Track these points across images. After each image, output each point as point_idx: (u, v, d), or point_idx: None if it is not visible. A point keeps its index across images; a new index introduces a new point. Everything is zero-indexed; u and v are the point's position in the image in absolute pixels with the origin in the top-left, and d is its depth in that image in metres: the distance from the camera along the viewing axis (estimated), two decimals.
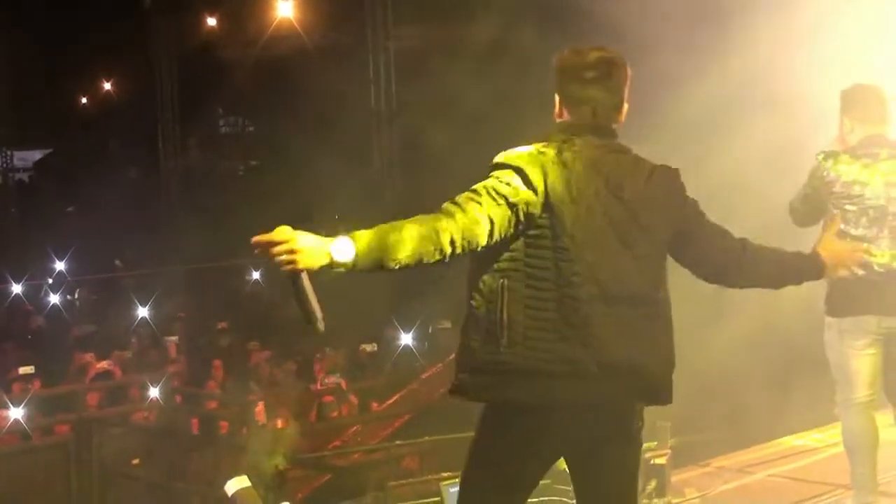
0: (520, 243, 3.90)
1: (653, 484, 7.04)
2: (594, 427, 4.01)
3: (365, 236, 3.74)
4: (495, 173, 3.92)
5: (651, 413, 6.61)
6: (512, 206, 3.83)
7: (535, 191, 3.87)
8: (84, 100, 34.32)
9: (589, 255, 3.89)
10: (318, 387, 15.12)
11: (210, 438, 12.80)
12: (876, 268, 5.92)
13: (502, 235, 3.84)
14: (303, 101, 23.21)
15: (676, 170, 4.22)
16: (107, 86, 33.75)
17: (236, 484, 6.16)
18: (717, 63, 10.04)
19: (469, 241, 3.76)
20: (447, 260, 3.77)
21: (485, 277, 3.95)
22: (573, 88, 4.12)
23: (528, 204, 3.85)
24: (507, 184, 3.86)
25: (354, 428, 13.45)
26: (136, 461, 12.89)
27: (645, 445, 7.29)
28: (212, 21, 29.31)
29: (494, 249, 3.88)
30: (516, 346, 3.88)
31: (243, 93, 29.67)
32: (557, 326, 3.88)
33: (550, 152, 3.96)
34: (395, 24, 22.26)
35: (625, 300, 3.95)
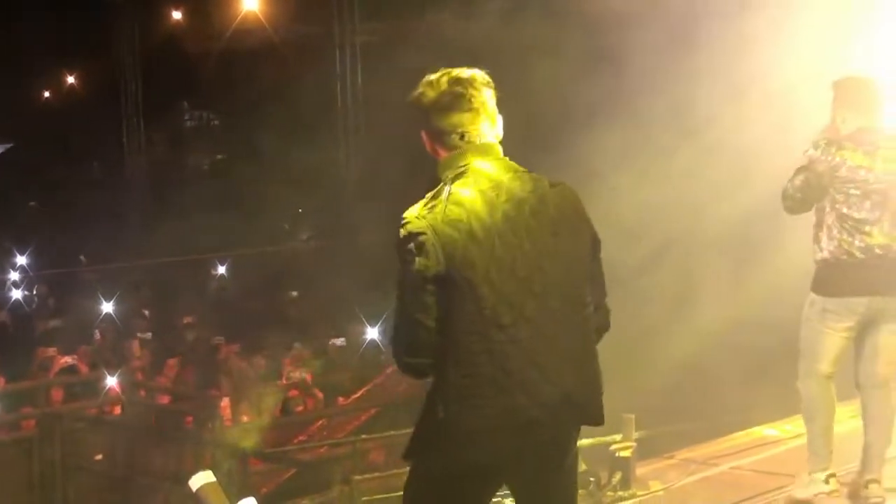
0: (450, 303, 3.78)
1: (618, 476, 7.08)
2: (541, 455, 3.95)
3: None
4: (404, 256, 3.80)
5: (616, 405, 6.69)
6: (427, 281, 3.77)
7: (436, 259, 3.76)
8: (47, 94, 34.13)
9: (508, 294, 3.78)
10: (284, 381, 15.13)
11: (175, 433, 12.76)
12: (877, 250, 6.09)
13: (435, 306, 3.79)
14: (269, 95, 23.17)
15: (573, 190, 4.00)
16: (70, 80, 33.58)
17: (201, 479, 6.08)
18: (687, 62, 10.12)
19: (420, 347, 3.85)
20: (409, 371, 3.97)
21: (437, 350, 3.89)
22: (436, 122, 3.95)
23: (431, 269, 3.76)
24: (414, 265, 3.77)
25: (320, 422, 13.46)
26: (99, 456, 12.86)
27: (610, 438, 7.35)
28: (177, 14, 29.22)
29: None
30: (455, 406, 3.81)
31: (209, 87, 29.59)
32: (494, 378, 3.78)
33: (439, 206, 3.81)
34: (362, 18, 22.24)
35: (552, 331, 3.85)
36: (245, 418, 13.92)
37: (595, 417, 3.98)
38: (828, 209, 6.21)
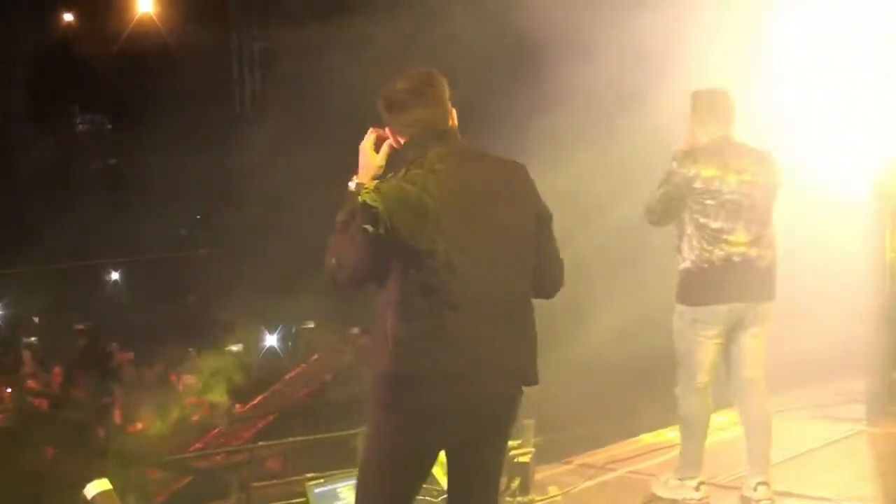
0: (398, 265, 4.07)
1: (517, 482, 7.08)
2: (484, 426, 4.21)
3: None
4: (362, 215, 4.09)
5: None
6: (380, 243, 4.04)
7: (385, 228, 4.04)
8: None
9: (462, 257, 4.07)
10: (181, 388, 15.05)
11: (68, 441, 12.63)
12: (735, 258, 6.27)
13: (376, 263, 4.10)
14: (165, 99, 22.94)
15: (523, 167, 4.35)
16: None
17: (96, 487, 6.05)
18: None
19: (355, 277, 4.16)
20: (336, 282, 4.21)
21: (378, 297, 4.16)
22: (400, 114, 4.27)
23: (387, 234, 4.03)
24: (363, 223, 4.07)
25: (217, 429, 13.41)
26: None
27: (510, 443, 7.40)
28: (69, 17, 28.86)
29: (384, 273, 4.11)
30: (402, 356, 4.07)
31: (102, 90, 29.25)
32: (437, 335, 4.06)
33: (394, 183, 4.14)
34: (260, 24, 22.19)
35: (494, 302, 4.14)
36: (140, 426, 13.83)
37: (531, 378, 4.22)
38: (687, 220, 6.36)
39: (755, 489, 6.47)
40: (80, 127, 33.81)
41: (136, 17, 25.82)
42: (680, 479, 6.59)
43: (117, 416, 13.65)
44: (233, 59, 22.44)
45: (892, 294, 9.11)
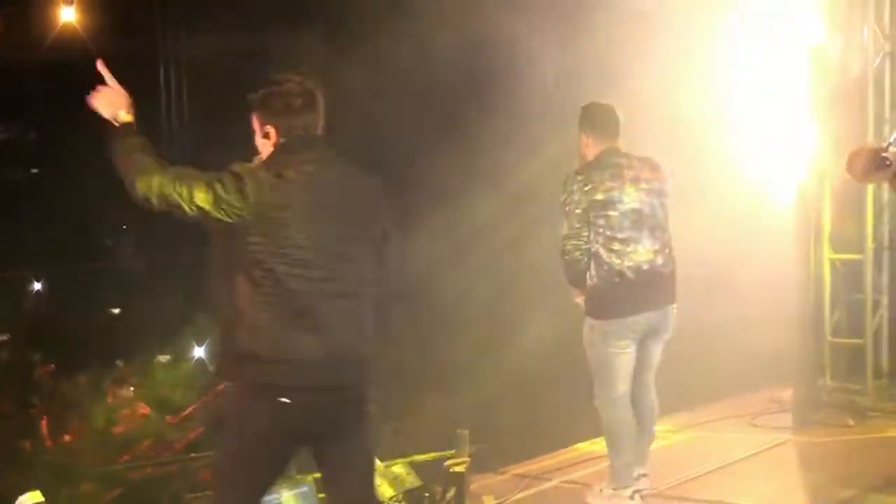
0: (245, 250, 4.38)
1: (452, 492, 7.12)
2: (335, 412, 4.52)
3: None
4: (222, 174, 4.43)
5: (449, 421, 6.84)
6: (219, 202, 4.36)
7: (245, 200, 4.35)
8: None
9: (311, 255, 4.42)
10: (109, 399, 14.90)
11: None
12: (644, 266, 6.43)
13: (195, 216, 4.42)
14: (86, 109, 22.70)
15: (379, 182, 4.77)
16: None
17: (28, 500, 6.05)
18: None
19: (170, 206, 4.44)
20: (152, 203, 4.51)
21: (221, 283, 4.48)
22: (287, 117, 4.57)
23: (233, 207, 4.36)
24: (222, 183, 4.38)
25: (146, 441, 13.29)
26: None
27: (444, 453, 7.46)
28: None
29: (226, 258, 4.47)
30: (247, 335, 4.38)
31: (22, 98, 28.89)
32: (282, 318, 4.37)
33: (272, 171, 4.46)
34: (188, 32, 22.01)
35: (339, 295, 4.48)
36: (67, 438, 13.67)
37: (367, 369, 4.63)
38: (593, 237, 6.46)
39: (638, 479, 6.68)
40: (2, 135, 33.41)
41: (59, 25, 25.52)
42: (614, 489, 6.69)
43: (43, 428, 13.46)
44: (159, 66, 22.19)
45: (815, 305, 9.30)
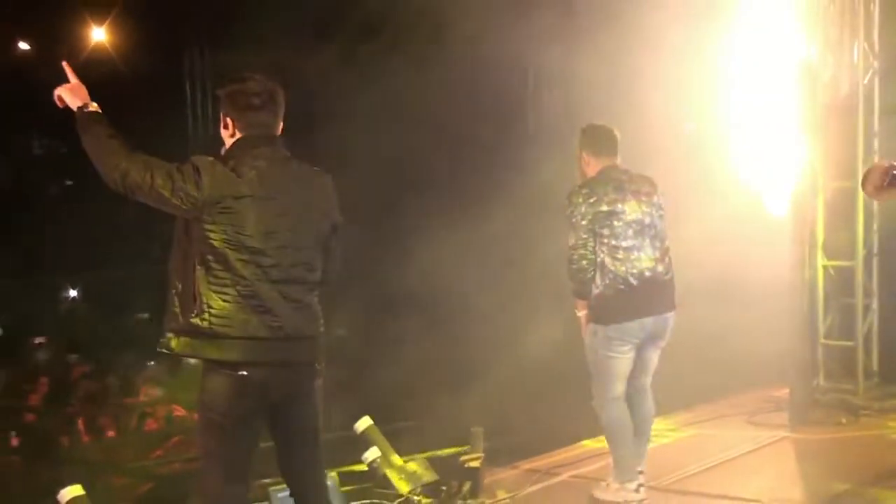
0: (202, 237, 4.57)
1: (467, 486, 7.13)
2: (286, 383, 4.75)
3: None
4: (183, 164, 4.62)
5: (465, 420, 6.88)
6: (176, 189, 4.56)
7: (200, 189, 4.55)
8: None
9: (261, 243, 4.60)
10: (141, 399, 14.94)
11: (33, 450, 12.50)
12: (646, 273, 6.50)
13: (153, 202, 4.62)
14: (119, 124, 22.72)
15: (331, 179, 4.95)
16: None
17: (70, 493, 6.05)
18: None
19: (133, 188, 4.61)
20: (118, 185, 4.64)
21: (179, 264, 4.66)
22: (246, 112, 4.75)
23: (189, 196, 4.55)
24: (182, 172, 4.57)
25: (176, 438, 13.32)
26: None
27: (460, 449, 7.47)
28: (24, 45, 28.56)
29: (186, 243, 4.65)
30: (203, 315, 4.55)
31: (57, 115, 28.83)
32: (236, 300, 4.55)
33: (228, 164, 4.64)
34: (213, 52, 22.06)
35: (291, 282, 4.67)
36: (102, 435, 13.72)
37: (315, 348, 4.84)
38: (598, 247, 6.50)
39: (637, 490, 6.75)
40: (37, 150, 33.47)
41: (91, 45, 25.57)
42: (620, 483, 6.71)
43: (80, 426, 13.51)
44: (186, 85, 22.23)
45: (810, 309, 9.31)
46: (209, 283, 4.57)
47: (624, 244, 6.46)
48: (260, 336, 4.61)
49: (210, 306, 4.56)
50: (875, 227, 9.54)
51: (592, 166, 6.63)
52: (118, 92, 24.71)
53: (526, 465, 8.06)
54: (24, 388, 15.63)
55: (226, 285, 4.56)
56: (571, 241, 6.49)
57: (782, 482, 7.50)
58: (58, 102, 4.99)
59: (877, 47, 9.49)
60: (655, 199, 6.68)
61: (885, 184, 2.94)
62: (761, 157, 8.95)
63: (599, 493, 6.85)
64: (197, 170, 4.58)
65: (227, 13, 20.79)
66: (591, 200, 6.45)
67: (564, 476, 7.77)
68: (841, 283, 9.60)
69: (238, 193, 4.58)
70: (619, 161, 6.66)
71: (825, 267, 9.51)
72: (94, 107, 4.90)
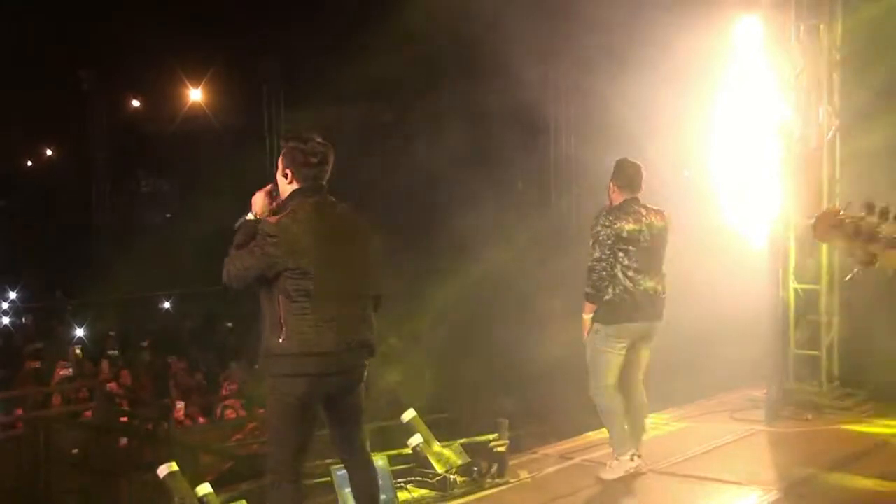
0: (285, 275, 4.67)
1: (494, 467, 7.08)
2: (344, 384, 4.87)
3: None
4: (261, 241, 4.70)
5: (492, 413, 6.75)
6: (271, 263, 4.68)
7: (280, 248, 4.66)
8: (29, 162, 33.44)
9: (325, 276, 4.70)
10: (224, 392, 14.97)
11: (136, 432, 12.49)
12: (649, 292, 6.60)
13: (261, 275, 4.70)
14: (210, 167, 22.89)
15: (361, 213, 5.01)
16: (48, 151, 32.95)
17: (167, 468, 6.04)
18: None
19: (244, 280, 4.74)
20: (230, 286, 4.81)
21: (268, 303, 4.74)
22: (304, 168, 4.82)
23: (278, 260, 4.67)
24: (263, 249, 4.68)
25: (252, 424, 13.30)
26: (75, 451, 12.54)
27: (489, 437, 7.38)
28: (136, 102, 28.82)
29: (268, 287, 4.71)
30: (290, 337, 4.65)
31: (161, 159, 29.20)
32: (318, 322, 4.67)
33: (287, 213, 4.75)
34: (287, 108, 22.20)
35: (351, 301, 4.80)
36: (202, 420, 13.75)
37: (373, 352, 4.96)
38: (616, 263, 6.52)
39: (632, 459, 6.67)
40: (144, 188, 33.84)
41: (189, 102, 25.80)
42: (617, 458, 6.70)
43: (176, 413, 13.51)
44: (265, 135, 22.36)
45: (783, 323, 9.22)
46: (289, 312, 4.67)
47: (634, 266, 6.55)
48: (330, 350, 4.72)
49: (292, 329, 4.67)
50: (836, 256, 9.42)
51: (617, 196, 6.67)
52: (210, 140, 25.00)
53: (544, 450, 7.98)
54: (132, 382, 15.70)
55: (299, 313, 4.67)
56: (597, 255, 6.55)
57: (758, 467, 7.40)
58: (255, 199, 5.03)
59: (838, 109, 9.42)
60: (664, 232, 6.69)
61: (831, 228, 2.85)
62: (745, 199, 8.92)
63: (604, 474, 6.83)
64: (274, 236, 4.69)
65: (296, 79, 20.94)
66: (616, 226, 6.53)
67: (577, 460, 7.68)
68: (808, 302, 9.50)
69: (302, 236, 4.71)
70: (639, 195, 6.66)
71: (796, 289, 9.41)
72: (253, 217, 4.95)
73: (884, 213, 2.78)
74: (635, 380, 6.80)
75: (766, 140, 9.01)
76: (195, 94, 25.55)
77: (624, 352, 6.61)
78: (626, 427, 6.73)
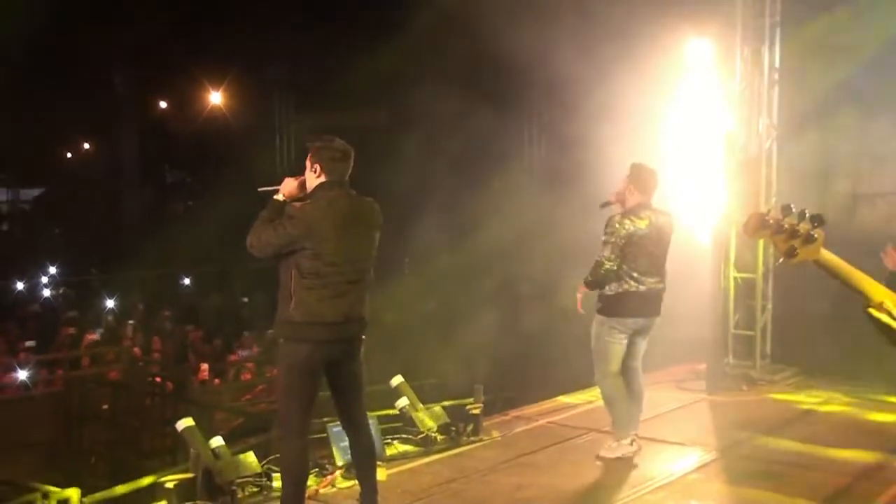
0: (301, 253, 4.67)
1: (470, 426, 7.05)
2: (343, 351, 4.84)
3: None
4: (286, 220, 4.71)
5: (469, 379, 6.65)
6: (290, 241, 4.69)
7: (298, 228, 4.67)
8: (69, 154, 33.22)
9: (335, 260, 4.70)
10: (236, 357, 14.91)
11: (159, 392, 12.44)
12: (652, 289, 6.32)
13: (279, 251, 4.72)
14: (227, 162, 22.73)
15: (378, 206, 4.94)
16: (86, 145, 32.73)
17: (184, 423, 5.96)
18: None
19: (264, 251, 4.76)
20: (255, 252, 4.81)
21: (284, 274, 4.74)
22: (330, 163, 4.81)
23: (296, 240, 4.68)
24: (285, 228, 4.69)
25: (261, 386, 13.27)
26: (105, 406, 12.49)
27: (466, 401, 7.35)
28: (164, 104, 28.64)
29: (286, 260, 4.71)
30: (299, 307, 4.67)
31: (184, 155, 29.03)
32: (322, 297, 4.68)
33: (314, 203, 4.75)
34: (296, 111, 22.09)
35: (353, 283, 4.77)
36: (215, 382, 13.70)
37: (365, 325, 4.93)
38: (623, 261, 6.23)
39: (632, 444, 6.46)
40: (169, 179, 33.69)
41: (209, 105, 25.63)
42: (618, 441, 6.48)
43: (194, 375, 13.46)
44: (275, 134, 22.26)
45: (724, 306, 9.23)
46: (301, 287, 4.67)
47: (640, 267, 6.23)
48: (333, 321, 4.71)
49: (300, 300, 4.67)
50: (771, 249, 9.44)
51: (632, 197, 6.31)
52: (227, 138, 24.87)
53: (514, 413, 7.95)
54: (155, 349, 15.64)
55: (313, 286, 4.67)
56: (606, 253, 6.20)
57: (700, 431, 7.41)
58: (284, 184, 5.02)
59: (776, 121, 9.43)
60: (670, 234, 6.42)
61: (759, 227, 2.97)
62: (693, 200, 8.89)
63: (604, 453, 6.52)
64: (294, 217, 4.71)
65: (305, 87, 20.80)
66: (630, 229, 6.19)
67: (542, 421, 7.66)
68: (746, 289, 9.53)
69: (321, 222, 4.70)
70: (651, 199, 6.36)
71: (735, 277, 9.44)
72: (280, 198, 4.94)
73: (801, 214, 3.00)
74: (634, 368, 6.58)
75: (713, 147, 9.02)
76: (215, 98, 25.35)
77: (625, 342, 6.35)
78: (627, 410, 6.44)
